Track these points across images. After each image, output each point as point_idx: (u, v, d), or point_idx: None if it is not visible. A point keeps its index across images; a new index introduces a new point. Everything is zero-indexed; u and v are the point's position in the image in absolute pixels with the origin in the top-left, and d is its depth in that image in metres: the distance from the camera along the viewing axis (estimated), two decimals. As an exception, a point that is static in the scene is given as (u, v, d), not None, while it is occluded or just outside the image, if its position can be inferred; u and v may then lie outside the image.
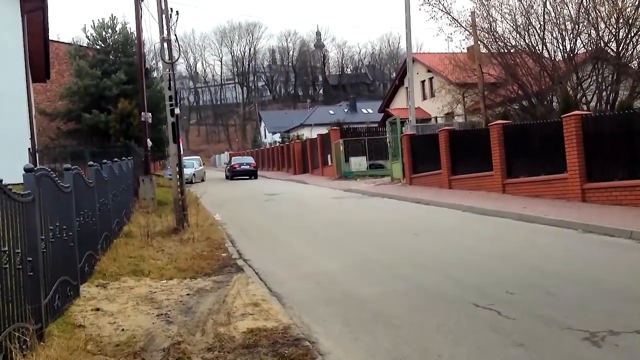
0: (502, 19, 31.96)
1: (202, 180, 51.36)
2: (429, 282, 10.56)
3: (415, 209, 22.67)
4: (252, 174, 55.09)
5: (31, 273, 8.10)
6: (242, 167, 55.89)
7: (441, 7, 33.88)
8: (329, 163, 47.31)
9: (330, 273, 12.25)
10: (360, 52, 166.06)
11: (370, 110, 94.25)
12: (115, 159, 20.42)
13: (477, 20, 32.81)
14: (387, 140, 37.75)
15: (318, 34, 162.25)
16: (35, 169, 8.78)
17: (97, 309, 9.73)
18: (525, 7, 30.42)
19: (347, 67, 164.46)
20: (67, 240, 10.37)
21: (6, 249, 7.17)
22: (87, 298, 10.49)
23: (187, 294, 10.74)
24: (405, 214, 21.32)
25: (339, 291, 10.68)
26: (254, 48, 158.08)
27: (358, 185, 35.07)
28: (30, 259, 8.07)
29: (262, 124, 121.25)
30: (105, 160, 17.48)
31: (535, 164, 21.71)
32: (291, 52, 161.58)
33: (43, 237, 8.71)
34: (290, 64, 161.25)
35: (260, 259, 14.23)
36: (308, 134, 77.48)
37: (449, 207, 21.60)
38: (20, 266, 7.68)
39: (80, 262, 11.48)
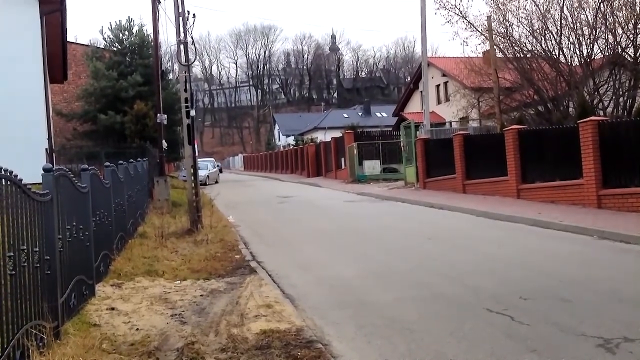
0: (519, 23, 31.94)
1: (216, 182, 51.61)
2: (443, 288, 10.56)
3: (429, 213, 22.64)
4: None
5: (48, 272, 8.14)
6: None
7: (457, 11, 33.81)
8: (343, 166, 47.00)
9: (343, 276, 12.24)
10: (375, 56, 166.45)
11: (384, 114, 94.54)
12: (131, 160, 20.56)
13: (493, 24, 32.64)
14: (401, 144, 37.52)
15: (333, 37, 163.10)
16: (54, 169, 8.81)
17: (112, 308, 9.78)
18: (542, 11, 30.37)
19: (362, 71, 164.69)
20: (84, 239, 10.36)
21: (25, 247, 7.19)
22: (102, 297, 10.54)
23: (201, 295, 10.77)
24: (419, 219, 21.31)
25: (352, 294, 10.68)
26: (269, 51, 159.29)
27: (371, 188, 34.97)
28: (48, 257, 8.12)
29: (276, 127, 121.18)
30: (121, 161, 17.55)
31: (550, 169, 21.64)
32: (306, 55, 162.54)
33: (60, 237, 8.72)
34: (305, 67, 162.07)
35: (273, 261, 14.25)
36: (322, 137, 77.28)
37: (462, 212, 21.57)
38: (38, 265, 7.70)
39: (96, 261, 11.51)
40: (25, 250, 7.22)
